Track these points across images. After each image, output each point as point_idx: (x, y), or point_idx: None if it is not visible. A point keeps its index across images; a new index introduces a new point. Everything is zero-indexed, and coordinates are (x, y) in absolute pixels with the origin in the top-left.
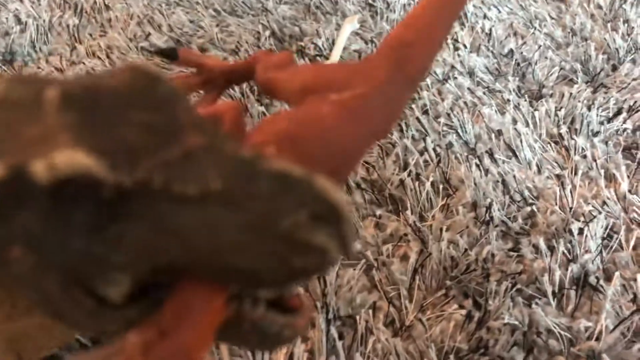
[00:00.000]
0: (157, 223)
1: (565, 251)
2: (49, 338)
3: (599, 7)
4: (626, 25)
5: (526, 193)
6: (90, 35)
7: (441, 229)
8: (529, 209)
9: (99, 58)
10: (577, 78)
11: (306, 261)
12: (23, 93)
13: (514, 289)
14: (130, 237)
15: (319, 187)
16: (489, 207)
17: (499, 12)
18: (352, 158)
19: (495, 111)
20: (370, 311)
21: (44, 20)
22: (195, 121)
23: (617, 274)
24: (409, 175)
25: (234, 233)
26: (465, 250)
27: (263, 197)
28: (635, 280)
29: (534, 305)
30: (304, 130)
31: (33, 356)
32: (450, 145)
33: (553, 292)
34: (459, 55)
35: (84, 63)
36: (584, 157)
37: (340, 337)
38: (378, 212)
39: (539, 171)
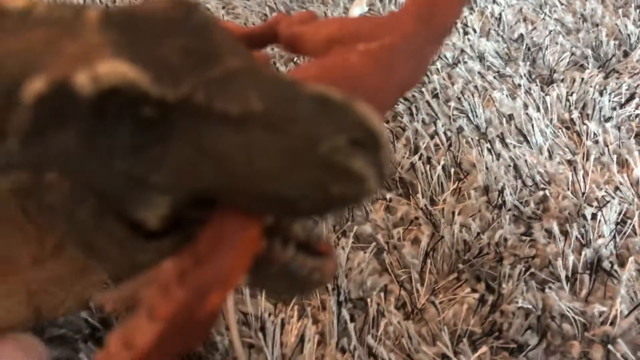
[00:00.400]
0: (198, 144)
1: (579, 236)
2: (68, 294)
3: None
4: (638, 11)
5: (538, 178)
6: None
7: (453, 213)
8: (541, 193)
9: None
10: (588, 64)
11: (344, 188)
12: (64, 13)
13: (528, 273)
14: (171, 158)
15: (359, 113)
16: (501, 191)
17: None
18: (380, 108)
19: (506, 96)
20: (382, 294)
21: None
22: (234, 47)
23: (631, 259)
24: (419, 158)
25: (272, 156)
26: (478, 234)
27: (303, 120)
28: None
29: (547, 290)
30: (333, 76)
31: (52, 313)
32: (460, 129)
33: (566, 277)
34: (468, 39)
35: None
36: (596, 142)
37: (352, 319)
38: (388, 195)
39: (551, 156)
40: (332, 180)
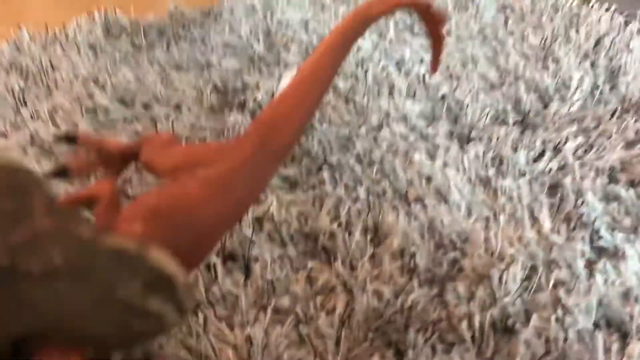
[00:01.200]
0: (7, 297)
1: (485, 296)
2: None
3: (531, 47)
4: (555, 64)
5: (454, 237)
6: (36, 97)
7: (365, 280)
8: (452, 255)
9: (43, 121)
10: (509, 118)
11: (145, 325)
12: None
13: (435, 336)
14: None
15: (152, 259)
16: (412, 256)
17: None
18: (217, 228)
19: (426, 156)
20: None
21: None
22: (50, 207)
23: (534, 316)
24: (339, 225)
25: (78, 303)
26: (388, 300)
27: (100, 270)
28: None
29: (453, 352)
30: (170, 205)
31: None
32: (383, 192)
33: (472, 337)
34: (394, 102)
35: (28, 127)
36: (510, 198)
37: None
38: (310, 264)
39: (469, 214)
40: (133, 319)
